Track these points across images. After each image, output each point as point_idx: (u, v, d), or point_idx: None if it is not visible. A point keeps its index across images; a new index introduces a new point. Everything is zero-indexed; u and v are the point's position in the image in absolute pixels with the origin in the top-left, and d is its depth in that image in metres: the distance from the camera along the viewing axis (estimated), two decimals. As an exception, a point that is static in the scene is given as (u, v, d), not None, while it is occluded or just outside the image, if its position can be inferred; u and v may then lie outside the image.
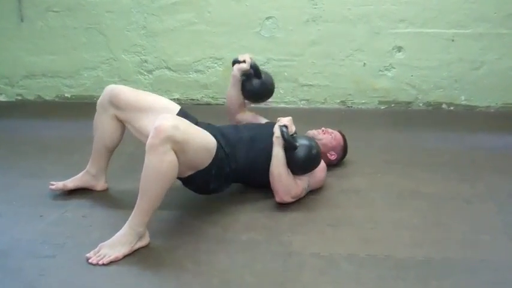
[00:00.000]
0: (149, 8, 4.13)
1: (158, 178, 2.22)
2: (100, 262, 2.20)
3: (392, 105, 4.12)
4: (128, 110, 2.62)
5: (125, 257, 2.24)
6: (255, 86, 2.95)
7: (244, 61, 2.92)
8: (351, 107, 4.16)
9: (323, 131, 3.03)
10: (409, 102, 4.10)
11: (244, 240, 2.40)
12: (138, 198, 2.25)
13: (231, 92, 3.01)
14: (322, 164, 2.76)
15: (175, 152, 2.23)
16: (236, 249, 2.34)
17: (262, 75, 2.96)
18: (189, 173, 2.44)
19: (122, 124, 2.69)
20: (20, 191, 2.87)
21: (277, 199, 2.64)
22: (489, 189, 2.85)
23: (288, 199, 2.64)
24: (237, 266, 2.22)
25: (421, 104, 4.09)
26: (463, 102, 4.05)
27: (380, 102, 4.13)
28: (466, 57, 3.93)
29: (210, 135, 2.49)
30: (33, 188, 2.87)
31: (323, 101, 4.17)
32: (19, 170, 3.15)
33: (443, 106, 4.07)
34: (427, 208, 2.67)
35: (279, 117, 2.73)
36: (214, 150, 2.46)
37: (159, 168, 2.20)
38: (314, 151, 2.62)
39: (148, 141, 2.21)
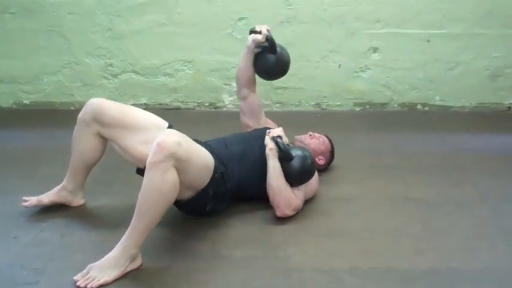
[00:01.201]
0: (114, 9, 3.92)
1: (158, 198, 2.06)
2: (88, 286, 2.03)
3: (367, 106, 4.06)
4: (114, 127, 2.41)
5: (116, 280, 2.07)
6: (268, 61, 2.72)
7: (260, 32, 2.71)
8: (326, 109, 4.08)
9: (310, 135, 2.94)
10: (384, 104, 4.05)
11: (239, 257, 2.27)
12: (134, 218, 2.08)
13: (242, 63, 2.80)
14: (315, 173, 2.65)
15: (177, 171, 2.08)
16: (232, 266, 2.20)
17: (278, 51, 2.72)
18: (188, 193, 2.30)
19: (105, 140, 2.49)
20: (-14, 210, 2.63)
21: (279, 213, 2.51)
22: (478, 192, 2.83)
23: (289, 212, 2.52)
24: (235, 285, 2.10)
25: (396, 105, 4.05)
26: (438, 103, 4.03)
27: (355, 104, 4.06)
28: (442, 57, 3.91)
29: (208, 152, 2.35)
30: (2, 206, 2.64)
31: (297, 103, 4.07)
32: (-18, 186, 2.90)
33: (418, 107, 4.04)
34: (421, 215, 2.61)
35: (269, 129, 2.64)
36: (213, 169, 2.33)
37: (160, 188, 2.05)
38: (309, 160, 2.54)
39: (150, 159, 2.05)
